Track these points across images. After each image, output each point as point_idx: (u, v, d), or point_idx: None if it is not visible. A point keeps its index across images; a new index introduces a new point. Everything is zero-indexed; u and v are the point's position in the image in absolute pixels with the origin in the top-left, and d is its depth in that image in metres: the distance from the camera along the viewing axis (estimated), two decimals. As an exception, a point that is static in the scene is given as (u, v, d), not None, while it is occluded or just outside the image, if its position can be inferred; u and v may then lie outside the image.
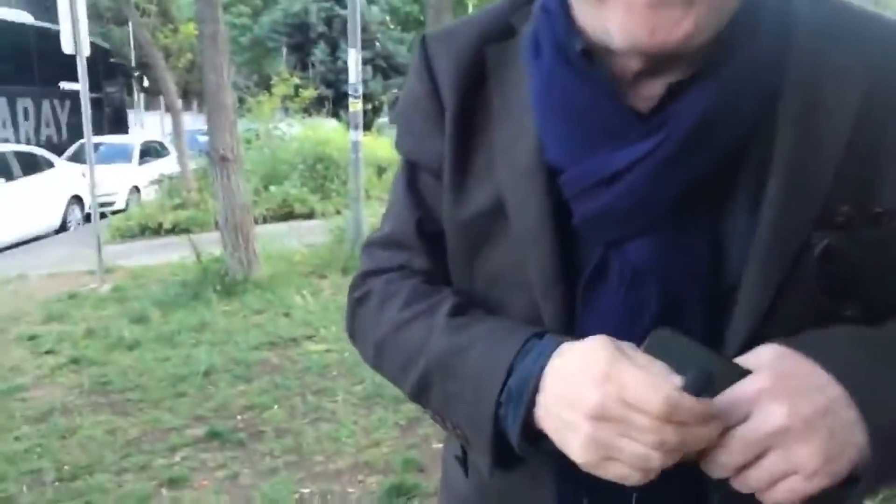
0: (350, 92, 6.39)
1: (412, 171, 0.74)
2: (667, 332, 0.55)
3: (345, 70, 6.53)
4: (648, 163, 0.58)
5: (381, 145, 11.58)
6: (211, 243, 5.97)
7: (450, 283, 0.73)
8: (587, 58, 0.60)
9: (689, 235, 0.60)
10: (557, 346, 0.59)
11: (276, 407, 3.48)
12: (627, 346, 0.56)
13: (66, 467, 2.93)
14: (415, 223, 0.73)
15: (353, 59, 6.27)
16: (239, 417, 3.38)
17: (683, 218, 0.59)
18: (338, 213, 8.63)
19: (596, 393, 0.53)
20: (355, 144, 6.66)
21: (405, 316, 0.70)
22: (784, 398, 0.52)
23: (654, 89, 0.59)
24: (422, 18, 19.77)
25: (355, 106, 6.45)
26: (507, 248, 0.66)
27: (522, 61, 0.65)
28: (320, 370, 3.93)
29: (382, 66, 19.30)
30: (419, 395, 0.69)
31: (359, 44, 6.33)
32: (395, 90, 18.17)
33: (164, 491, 2.75)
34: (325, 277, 5.99)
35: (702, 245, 0.60)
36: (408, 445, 3.05)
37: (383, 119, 17.33)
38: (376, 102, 17.15)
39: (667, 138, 0.57)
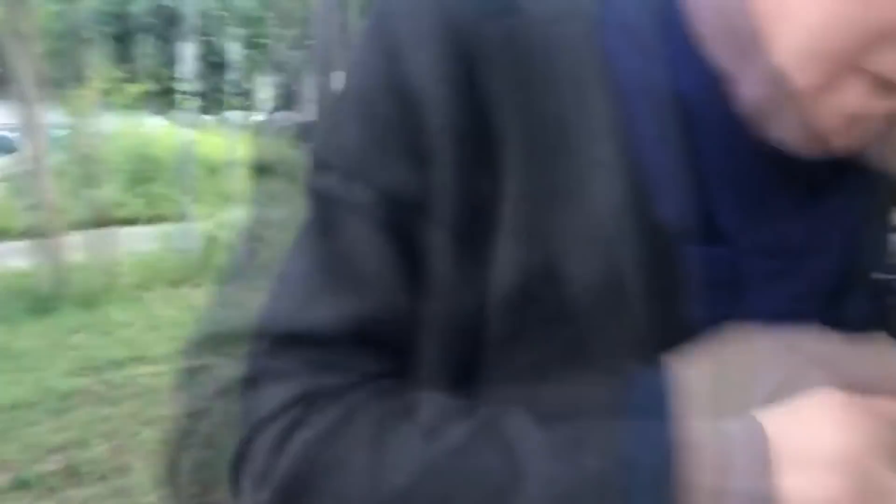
0: (182, 88, 5.97)
1: (396, 213, 0.42)
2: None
3: (174, 64, 6.10)
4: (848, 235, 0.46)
5: (214, 146, 10.96)
6: (17, 253, 5.29)
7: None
8: (717, 86, 0.42)
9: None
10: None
11: (99, 443, 3.09)
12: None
13: None
14: (406, 303, 0.42)
15: (188, 53, 5.86)
16: (52, 459, 2.96)
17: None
18: (166, 219, 8.03)
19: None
20: (188, 145, 6.24)
21: (443, 447, 0.39)
22: None
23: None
24: (260, 15, 19.09)
25: (189, 104, 6.03)
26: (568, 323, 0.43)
27: (574, 60, 0.42)
28: (152, 395, 3.57)
29: (216, 63, 18.40)
30: None
31: (194, 38, 5.92)
32: (230, 88, 17.37)
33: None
34: (151, 290, 5.52)
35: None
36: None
37: (212, 117, 16.50)
38: (209, 100, 16.29)
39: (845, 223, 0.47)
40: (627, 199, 0.41)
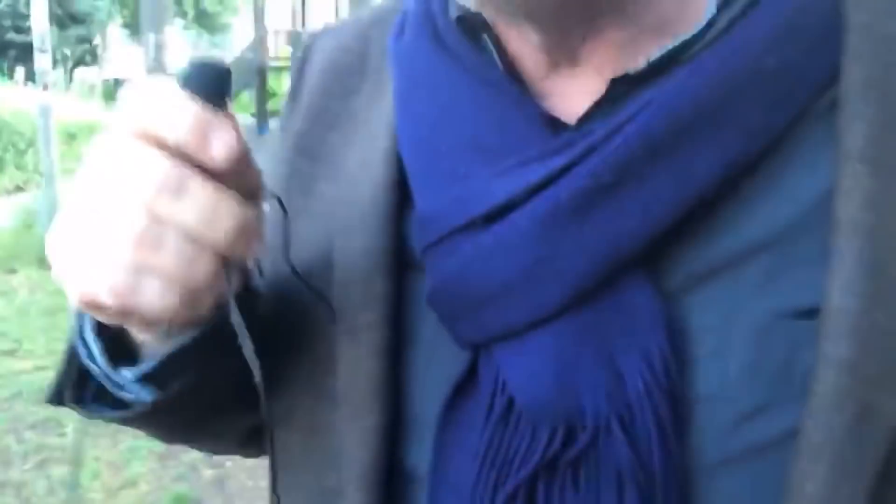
0: (36, 44, 5.34)
1: None
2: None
3: (9, 15, 5.44)
4: (552, 195, 0.34)
5: (67, 106, 9.97)
6: None
7: None
8: (469, 33, 0.39)
9: (620, 334, 0.34)
10: None
11: (-21, 455, 2.72)
12: None
13: None
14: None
15: (39, 5, 5.20)
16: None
17: (612, 301, 0.34)
18: (19, 189, 7.24)
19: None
20: (44, 109, 5.58)
21: None
22: None
23: (582, 85, 0.37)
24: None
25: (43, 62, 5.39)
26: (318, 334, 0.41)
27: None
28: (34, 395, 3.18)
29: (58, 14, 16.68)
30: None
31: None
32: (78, 43, 15.82)
33: None
34: (14, 272, 4.94)
35: (645, 352, 0.34)
36: (173, 478, 2.59)
37: (57, 73, 15.02)
38: (57, 56, 14.79)
39: (590, 153, 0.33)
40: (380, 180, 0.41)
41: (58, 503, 2.43)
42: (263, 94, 14.56)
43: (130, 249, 0.29)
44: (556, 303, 0.34)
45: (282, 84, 17.63)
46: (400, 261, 0.40)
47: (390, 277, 0.39)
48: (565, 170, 0.34)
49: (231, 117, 0.30)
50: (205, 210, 0.29)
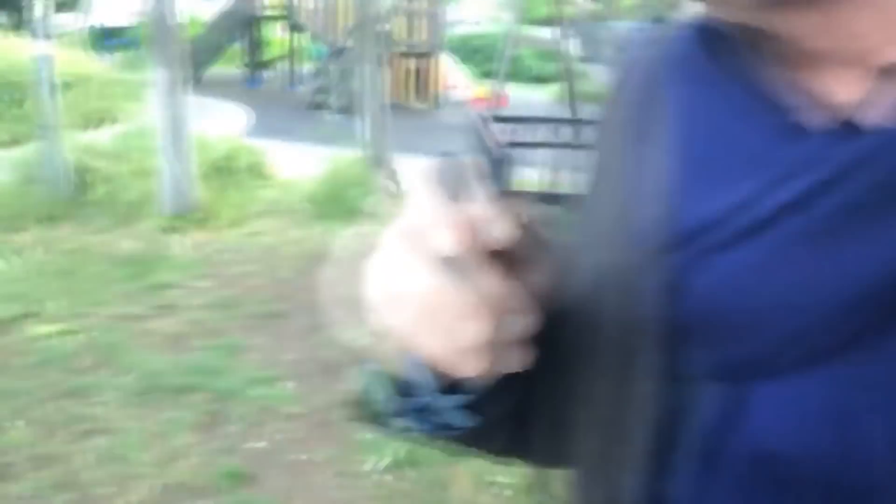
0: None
1: None
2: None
3: None
4: (805, 214, 0.31)
5: (61, 55, 9.61)
6: None
7: None
8: (739, 42, 0.37)
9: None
10: None
11: (20, 424, 2.64)
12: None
13: None
14: None
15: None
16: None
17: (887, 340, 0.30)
18: (15, 142, 7.01)
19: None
20: (44, 59, 5.39)
21: None
22: None
23: (854, 85, 0.33)
24: None
25: (39, 10, 5.19)
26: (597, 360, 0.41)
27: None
28: (65, 361, 3.11)
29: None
30: None
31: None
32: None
33: None
34: (23, 230, 4.80)
35: None
36: (220, 450, 2.53)
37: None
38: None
39: (857, 167, 0.30)
40: (654, 201, 0.39)
41: (106, 477, 2.37)
42: (255, 46, 14.19)
43: (414, 310, 0.33)
44: (817, 341, 0.30)
45: (273, 34, 17.16)
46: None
47: (655, 297, 0.37)
48: (827, 185, 0.30)
49: (475, 202, 0.34)
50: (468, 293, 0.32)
